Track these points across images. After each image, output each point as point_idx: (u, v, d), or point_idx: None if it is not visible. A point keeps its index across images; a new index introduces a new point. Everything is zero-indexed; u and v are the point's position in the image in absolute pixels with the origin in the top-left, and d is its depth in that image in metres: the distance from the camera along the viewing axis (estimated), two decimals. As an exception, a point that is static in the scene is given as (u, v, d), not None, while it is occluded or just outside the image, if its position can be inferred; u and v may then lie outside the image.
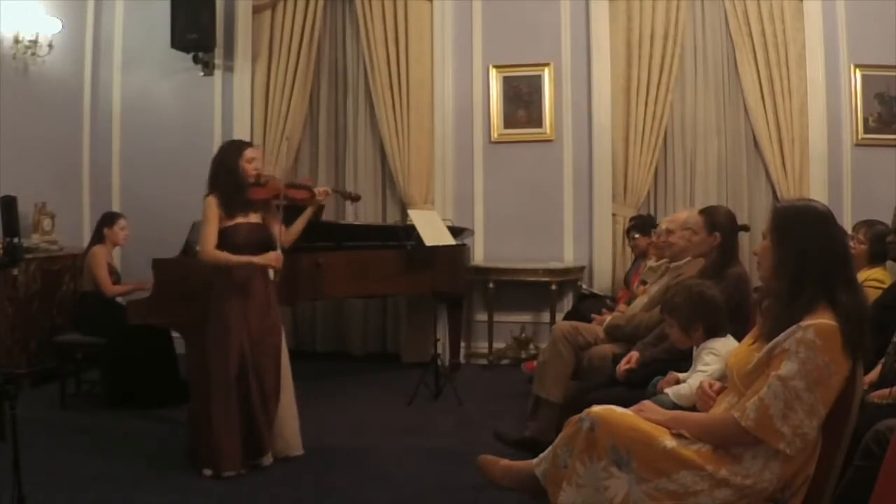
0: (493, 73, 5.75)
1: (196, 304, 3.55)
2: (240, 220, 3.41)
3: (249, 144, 3.61)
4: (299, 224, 3.61)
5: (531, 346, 5.57)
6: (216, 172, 3.46)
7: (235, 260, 3.34)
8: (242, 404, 3.33)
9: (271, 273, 3.51)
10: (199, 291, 3.53)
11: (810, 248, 1.95)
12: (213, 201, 3.39)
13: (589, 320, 3.99)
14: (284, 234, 3.54)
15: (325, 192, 3.66)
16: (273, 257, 3.37)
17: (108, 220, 4.78)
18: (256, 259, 3.35)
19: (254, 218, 3.47)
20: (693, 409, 2.26)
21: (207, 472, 3.26)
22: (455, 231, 5.14)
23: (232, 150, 3.50)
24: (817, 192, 5.23)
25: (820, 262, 1.94)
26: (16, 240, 4.79)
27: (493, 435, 3.52)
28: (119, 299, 4.55)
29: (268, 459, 3.39)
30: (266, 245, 3.45)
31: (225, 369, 3.30)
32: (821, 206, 2.06)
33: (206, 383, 3.34)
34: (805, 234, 1.97)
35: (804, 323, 1.88)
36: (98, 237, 4.71)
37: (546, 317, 5.46)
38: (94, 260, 4.56)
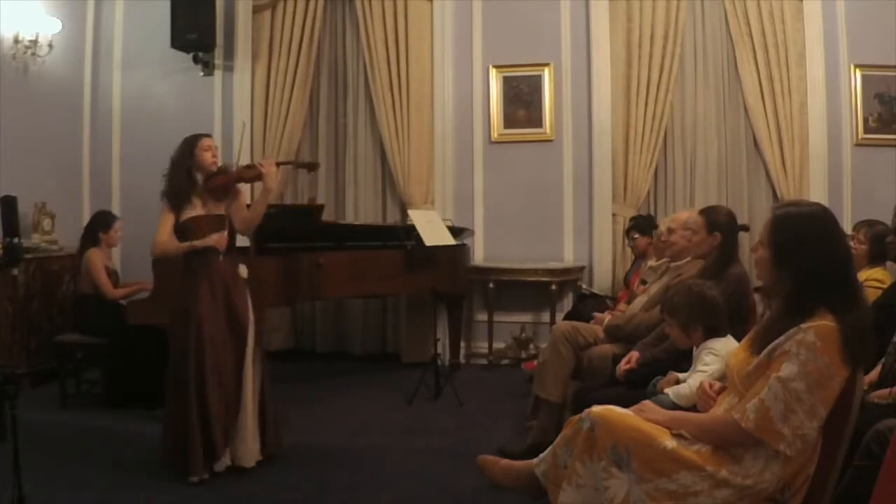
0: (493, 73, 5.75)
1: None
2: (196, 211, 3.35)
3: (205, 135, 3.52)
4: (254, 209, 3.47)
5: (531, 346, 5.57)
6: (169, 167, 3.43)
7: (180, 247, 3.31)
8: (200, 406, 3.23)
9: (244, 271, 3.46)
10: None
11: (810, 266, 1.93)
12: (164, 204, 3.39)
13: (589, 320, 3.99)
14: (242, 220, 3.44)
15: (270, 163, 3.45)
16: (214, 238, 3.31)
17: (104, 223, 4.74)
18: (198, 242, 3.30)
19: (215, 209, 3.40)
20: (693, 409, 2.26)
21: (194, 478, 3.20)
22: (455, 231, 5.14)
23: (183, 145, 3.45)
24: (817, 192, 5.23)
25: (820, 278, 1.92)
26: (16, 240, 4.81)
27: (498, 452, 3.48)
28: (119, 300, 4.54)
29: (221, 465, 3.28)
30: (229, 237, 3.40)
31: (184, 371, 3.24)
32: (820, 215, 2.01)
33: (175, 383, 3.30)
34: (805, 251, 1.94)
35: (805, 325, 1.88)
36: (93, 239, 4.68)
37: (546, 317, 5.46)
38: (92, 266, 4.53)
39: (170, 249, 3.35)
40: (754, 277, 3.55)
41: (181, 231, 3.36)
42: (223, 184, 3.41)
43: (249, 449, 3.35)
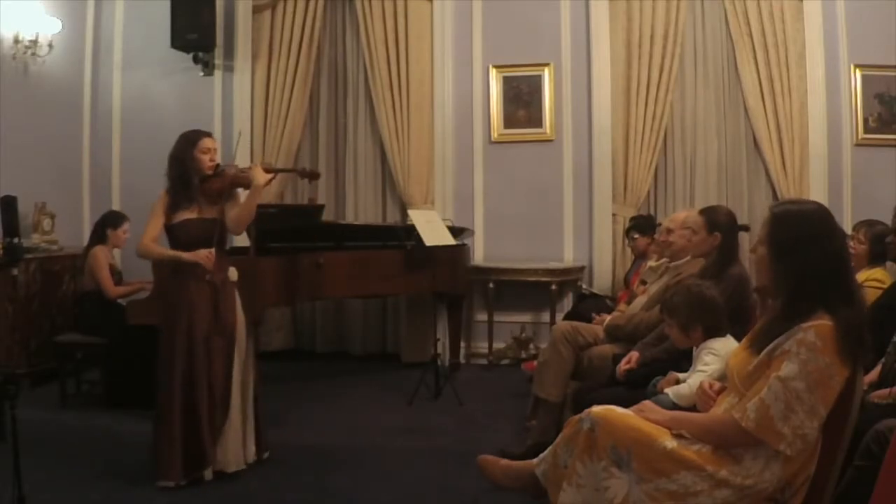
0: (493, 73, 5.75)
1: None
2: (189, 215, 3.25)
3: (207, 134, 3.38)
4: (242, 207, 3.32)
5: (531, 346, 5.57)
6: (169, 165, 3.32)
7: (165, 255, 3.24)
8: (188, 413, 3.16)
9: (233, 273, 3.39)
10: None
11: (809, 264, 1.93)
12: (161, 196, 3.29)
13: (589, 320, 3.99)
14: (230, 219, 3.32)
15: (257, 166, 3.34)
16: (203, 255, 3.19)
17: (113, 221, 4.75)
18: (185, 255, 3.20)
19: (209, 213, 3.29)
20: (693, 409, 2.26)
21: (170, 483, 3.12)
22: (455, 231, 5.14)
23: (184, 142, 3.32)
24: (817, 192, 5.23)
25: (819, 277, 1.92)
26: (16, 240, 4.82)
27: (498, 453, 3.48)
28: (120, 299, 4.54)
29: (209, 473, 3.19)
30: (219, 241, 3.31)
31: (171, 375, 3.18)
32: (819, 213, 2.00)
33: (156, 387, 3.24)
34: (804, 249, 1.94)
35: (805, 324, 1.88)
36: (100, 237, 4.69)
37: (546, 317, 5.46)
38: (96, 262, 4.53)
39: (153, 254, 3.28)
40: (755, 277, 3.55)
41: (171, 233, 3.29)
42: (219, 189, 3.32)
43: (233, 454, 3.28)
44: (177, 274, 3.29)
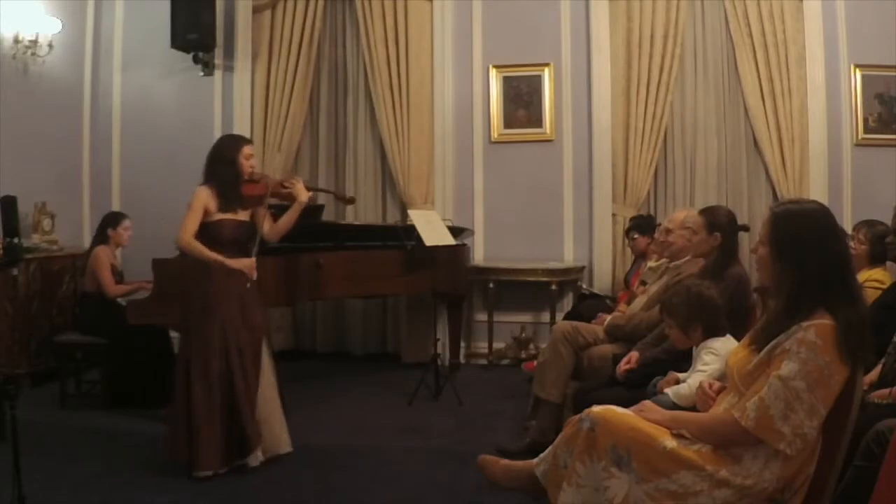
0: (493, 73, 5.75)
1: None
2: (226, 215, 3.39)
3: (248, 141, 3.60)
4: (285, 220, 3.58)
5: (531, 346, 5.57)
6: (214, 164, 3.43)
7: (209, 257, 3.32)
8: (226, 402, 3.29)
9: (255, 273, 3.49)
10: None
11: (810, 264, 1.93)
12: (204, 191, 3.37)
13: (589, 320, 3.99)
14: (271, 228, 3.57)
15: (299, 181, 3.59)
16: (247, 264, 3.36)
17: (112, 220, 4.77)
18: (230, 262, 3.33)
19: (242, 215, 3.44)
20: (693, 409, 2.26)
21: (209, 472, 3.23)
22: (455, 231, 5.14)
23: (232, 144, 3.49)
24: (817, 192, 5.23)
25: (820, 276, 1.92)
26: (16, 240, 4.82)
27: (496, 450, 3.48)
28: (120, 299, 4.54)
29: (255, 459, 3.33)
30: (250, 243, 3.43)
31: (206, 365, 3.27)
32: (819, 213, 2.01)
33: (188, 380, 3.30)
34: (805, 249, 1.94)
35: (805, 323, 1.88)
36: (101, 237, 4.70)
37: (546, 317, 5.47)
38: (97, 262, 4.54)
39: (195, 252, 3.33)
40: (754, 278, 3.56)
41: (205, 231, 3.36)
42: (259, 195, 3.45)
43: (278, 439, 3.45)
44: (207, 270, 3.35)
